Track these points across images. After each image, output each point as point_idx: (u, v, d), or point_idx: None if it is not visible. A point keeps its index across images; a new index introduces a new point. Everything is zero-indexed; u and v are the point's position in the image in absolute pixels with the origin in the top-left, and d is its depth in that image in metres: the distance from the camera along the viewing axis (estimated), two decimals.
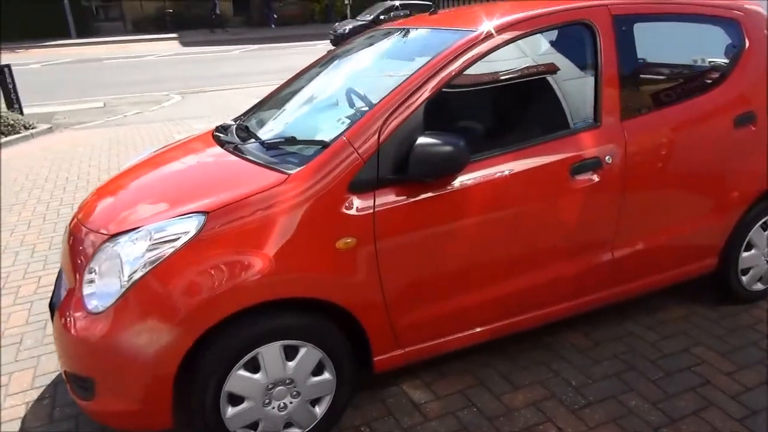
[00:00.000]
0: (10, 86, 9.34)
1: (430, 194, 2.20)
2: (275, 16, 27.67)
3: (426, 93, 2.22)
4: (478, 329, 2.49)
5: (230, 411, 2.11)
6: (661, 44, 2.80)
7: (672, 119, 2.65)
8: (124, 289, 1.96)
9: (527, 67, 2.53)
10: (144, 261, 1.98)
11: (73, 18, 25.03)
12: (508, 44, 2.39)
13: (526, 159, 2.37)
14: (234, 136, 2.68)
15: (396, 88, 2.23)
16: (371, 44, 3.03)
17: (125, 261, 2.00)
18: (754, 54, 2.85)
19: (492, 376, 2.68)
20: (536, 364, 2.75)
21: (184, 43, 22.84)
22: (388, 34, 3.00)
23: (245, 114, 3.13)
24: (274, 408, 2.17)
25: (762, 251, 3.06)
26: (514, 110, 2.56)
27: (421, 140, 2.11)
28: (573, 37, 2.56)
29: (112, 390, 2.03)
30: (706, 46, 2.89)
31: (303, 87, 3.03)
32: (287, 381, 2.15)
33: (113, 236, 2.10)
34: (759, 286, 3.16)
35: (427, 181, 2.17)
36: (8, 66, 9.38)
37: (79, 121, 9.38)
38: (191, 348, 1.98)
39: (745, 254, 3.03)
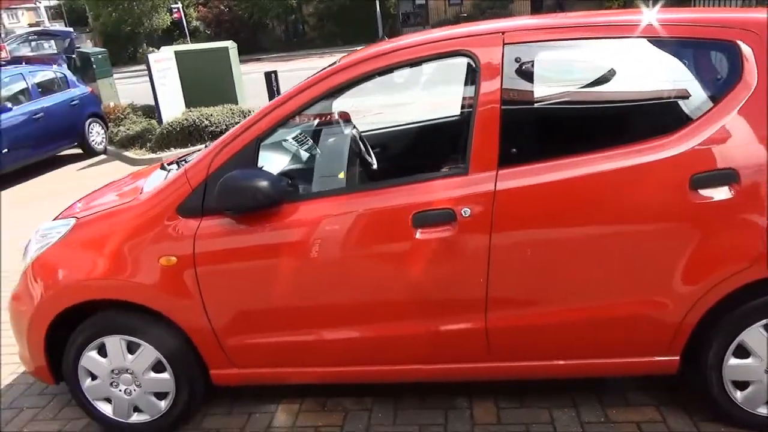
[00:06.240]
0: (275, 88, 11.46)
1: (254, 228, 2.27)
2: None
3: (257, 129, 2.28)
4: (324, 369, 2.45)
5: (87, 383, 2.56)
6: (598, 78, 2.22)
7: (578, 170, 2.09)
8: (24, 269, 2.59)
9: (396, 105, 2.34)
10: (35, 249, 2.56)
11: (381, 24, 28.37)
12: (366, 79, 2.26)
13: (363, 203, 2.23)
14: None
15: (240, 124, 2.35)
16: None
17: (29, 249, 2.63)
18: (758, 90, 2.04)
19: (359, 422, 2.57)
20: (411, 424, 2.53)
21: None
22: None
23: None
24: (121, 391, 2.54)
25: (766, 362, 2.18)
26: (374, 151, 2.40)
27: (231, 173, 2.20)
28: (458, 71, 2.26)
29: (19, 342, 2.67)
30: (675, 79, 2.18)
31: None
32: (128, 371, 2.50)
33: None
34: (765, 411, 2.25)
35: (229, 214, 2.24)
36: (275, 72, 11.50)
37: None
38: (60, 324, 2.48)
39: (734, 362, 2.20)
